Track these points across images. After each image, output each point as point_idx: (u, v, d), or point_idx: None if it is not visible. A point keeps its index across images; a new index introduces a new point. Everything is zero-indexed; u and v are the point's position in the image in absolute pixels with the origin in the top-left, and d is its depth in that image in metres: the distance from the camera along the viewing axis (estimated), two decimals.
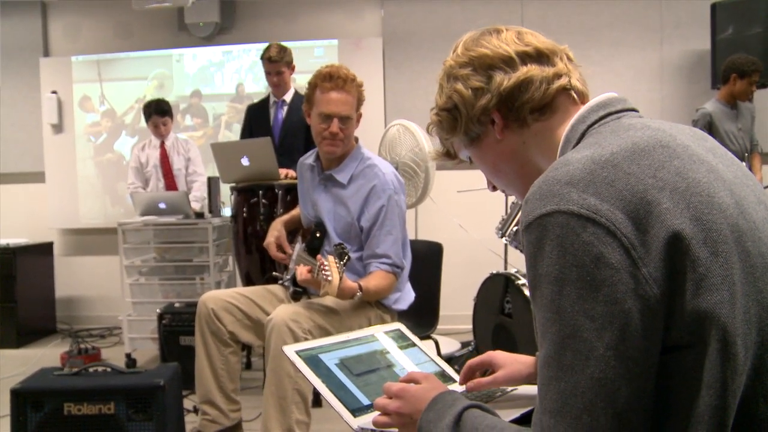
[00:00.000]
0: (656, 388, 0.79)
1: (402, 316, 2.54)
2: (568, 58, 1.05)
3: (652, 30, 4.84)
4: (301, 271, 2.16)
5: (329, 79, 2.36)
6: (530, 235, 0.82)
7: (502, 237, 3.54)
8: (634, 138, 0.87)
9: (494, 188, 1.16)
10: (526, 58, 1.02)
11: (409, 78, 5.05)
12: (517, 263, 3.69)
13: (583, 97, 1.04)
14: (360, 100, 2.44)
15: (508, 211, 3.59)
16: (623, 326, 0.76)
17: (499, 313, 3.26)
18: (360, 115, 2.47)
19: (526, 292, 3.04)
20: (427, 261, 2.88)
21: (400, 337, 1.46)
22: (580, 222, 0.78)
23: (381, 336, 1.44)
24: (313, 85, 2.41)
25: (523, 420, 1.11)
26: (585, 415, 0.76)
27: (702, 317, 0.77)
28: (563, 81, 1.01)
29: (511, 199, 3.66)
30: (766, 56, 4.38)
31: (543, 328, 0.81)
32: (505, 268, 3.89)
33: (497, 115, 1.03)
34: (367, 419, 1.14)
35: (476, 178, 4.25)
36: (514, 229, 3.47)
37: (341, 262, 2.06)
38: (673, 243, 0.77)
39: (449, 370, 1.41)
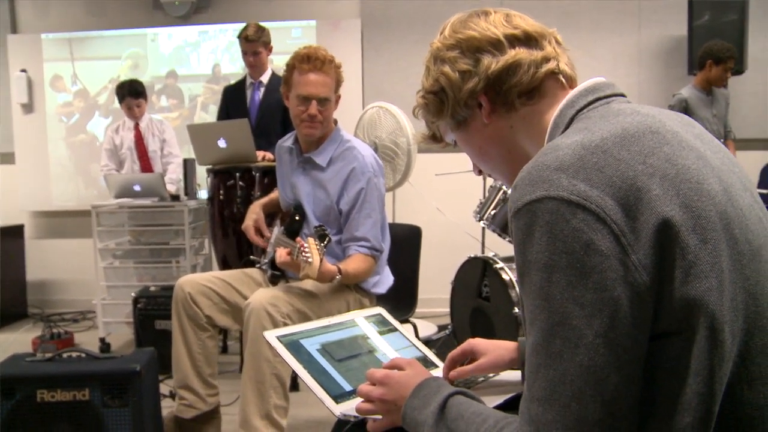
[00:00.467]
0: (643, 375, 0.78)
1: (380, 299, 2.53)
2: (557, 42, 1.04)
3: (631, 15, 4.85)
4: (280, 254, 2.14)
5: (307, 60, 2.33)
6: (519, 221, 0.81)
7: (480, 221, 3.54)
8: (624, 123, 0.86)
9: (480, 172, 1.15)
10: (515, 41, 1.00)
11: (387, 60, 5.01)
12: (495, 247, 3.70)
13: (571, 82, 1.02)
14: (339, 82, 2.41)
15: (486, 194, 3.59)
16: (612, 313, 0.75)
17: (477, 297, 3.26)
18: (339, 97, 2.44)
19: (504, 275, 3.05)
20: (405, 244, 2.87)
21: (381, 322, 1.45)
22: (569, 208, 0.77)
23: (362, 321, 1.43)
24: (291, 67, 2.38)
25: (507, 406, 1.10)
26: (574, 402, 0.76)
27: (691, 305, 0.77)
28: (551, 65, 1.00)
29: (489, 182, 3.66)
30: (740, 43, 4.43)
31: (531, 315, 0.80)
32: (483, 252, 3.90)
33: (484, 99, 1.01)
34: (349, 405, 1.13)
35: (454, 161, 4.27)
36: (492, 212, 3.47)
37: (321, 244, 2.03)
38: (662, 230, 0.77)
39: (431, 356, 1.41)
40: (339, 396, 1.17)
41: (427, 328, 4.10)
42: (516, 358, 1.22)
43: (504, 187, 3.45)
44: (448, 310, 3.58)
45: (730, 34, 4.44)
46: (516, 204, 0.82)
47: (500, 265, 3.11)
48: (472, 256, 3.37)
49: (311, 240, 2.02)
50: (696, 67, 4.38)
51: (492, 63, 0.99)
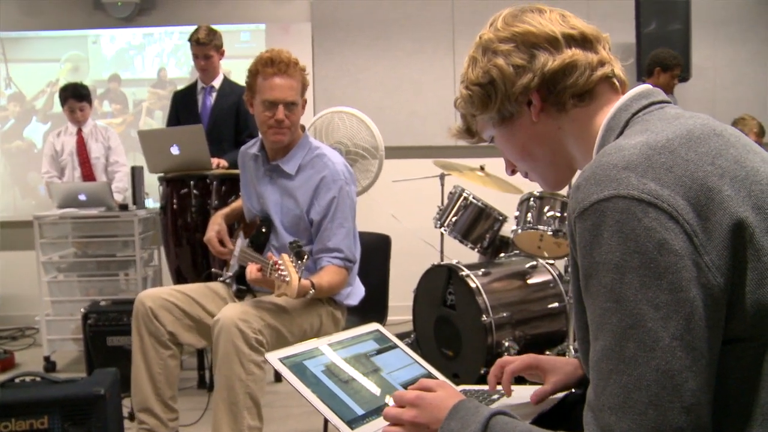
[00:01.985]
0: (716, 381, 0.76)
1: (352, 312, 2.46)
2: (609, 47, 1.02)
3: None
4: (251, 269, 2.04)
5: (271, 64, 2.23)
6: (585, 221, 0.78)
7: (440, 227, 3.51)
8: (688, 125, 0.84)
9: (513, 172, 1.12)
10: (571, 41, 0.98)
11: (338, 64, 4.96)
12: (453, 254, 3.67)
13: (624, 87, 1.00)
14: (304, 85, 2.32)
15: (446, 201, 3.56)
16: (689, 315, 0.73)
17: (442, 305, 3.22)
18: (305, 101, 2.35)
19: (471, 283, 3.02)
20: (373, 254, 2.81)
21: (380, 338, 1.39)
22: (641, 207, 0.75)
23: (361, 338, 1.36)
24: (254, 72, 2.27)
25: (538, 421, 1.06)
26: (651, 409, 0.72)
27: (764, 310, 0.75)
28: (607, 69, 0.98)
29: (448, 189, 3.64)
30: (685, 51, 4.58)
31: (600, 318, 0.77)
32: (442, 259, 3.87)
33: (536, 97, 0.98)
34: (365, 431, 1.06)
35: (410, 167, 4.21)
36: (453, 219, 3.45)
37: (299, 262, 1.94)
38: (736, 231, 0.75)
39: (435, 372, 1.35)
40: (353, 421, 1.09)
41: None
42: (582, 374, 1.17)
43: (465, 194, 3.43)
44: (409, 317, 3.53)
45: (676, 42, 4.58)
46: (581, 204, 0.79)
47: (465, 272, 3.08)
48: (435, 263, 3.33)
49: (285, 257, 1.92)
50: (644, 74, 4.49)
51: (549, 61, 0.96)
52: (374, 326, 1.42)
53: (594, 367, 0.78)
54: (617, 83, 0.99)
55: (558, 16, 1.00)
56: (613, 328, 0.75)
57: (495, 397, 1.22)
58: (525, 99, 0.99)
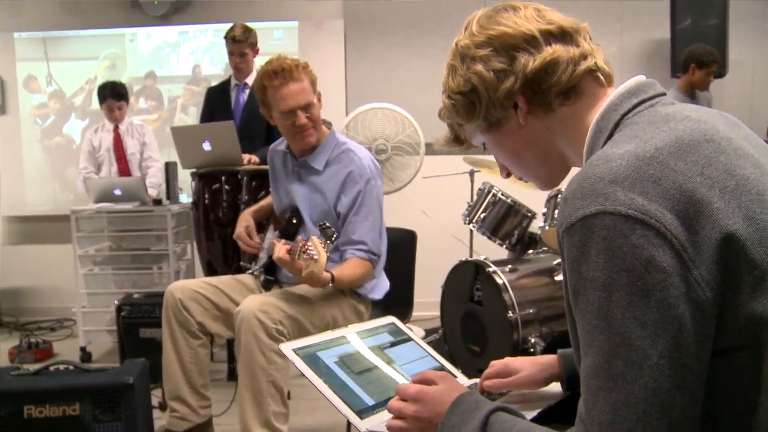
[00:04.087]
0: (705, 392, 0.75)
1: (375, 305, 2.48)
2: (590, 37, 0.99)
3: (613, 18, 4.87)
4: (279, 249, 2.04)
5: (275, 75, 2.24)
6: (573, 237, 0.77)
7: (468, 224, 3.51)
8: (677, 131, 0.82)
9: (508, 175, 1.10)
10: (550, 37, 0.95)
11: (370, 61, 4.96)
12: (483, 250, 3.67)
13: (609, 79, 0.97)
14: (313, 82, 2.33)
15: (475, 197, 3.56)
16: (677, 333, 0.72)
17: (469, 301, 3.23)
18: (320, 95, 2.36)
19: (497, 279, 3.02)
20: (399, 249, 2.83)
21: (394, 331, 1.41)
22: (628, 223, 0.73)
23: (376, 331, 1.38)
24: (262, 88, 2.29)
25: (540, 419, 1.06)
26: (639, 426, 0.72)
27: (758, 321, 0.74)
28: (590, 62, 0.95)
29: (477, 185, 3.64)
30: (721, 46, 4.48)
31: (589, 336, 0.77)
32: (471, 255, 3.87)
33: (522, 100, 0.95)
34: (374, 421, 1.08)
35: (440, 163, 4.23)
36: (482, 215, 3.45)
37: (327, 242, 1.95)
38: (726, 244, 0.74)
39: (448, 365, 1.37)
40: (362, 411, 1.11)
41: (416, 333, 4.04)
42: (556, 373, 1.18)
43: (494, 191, 3.43)
44: (437, 313, 3.54)
45: (711, 37, 4.48)
46: (569, 219, 0.78)
47: (492, 268, 3.07)
48: (463, 260, 3.34)
49: (314, 238, 1.95)
50: (679, 70, 4.41)
51: (529, 61, 0.93)
52: (389, 319, 1.44)
53: (584, 382, 0.78)
54: (602, 77, 0.96)
55: (533, 12, 0.97)
56: (602, 345, 0.75)
57: (504, 391, 1.22)
58: (510, 103, 0.96)
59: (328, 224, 2.01)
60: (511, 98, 0.96)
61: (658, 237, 0.73)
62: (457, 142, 1.10)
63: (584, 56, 0.95)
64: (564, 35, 0.95)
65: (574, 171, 0.90)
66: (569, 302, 0.83)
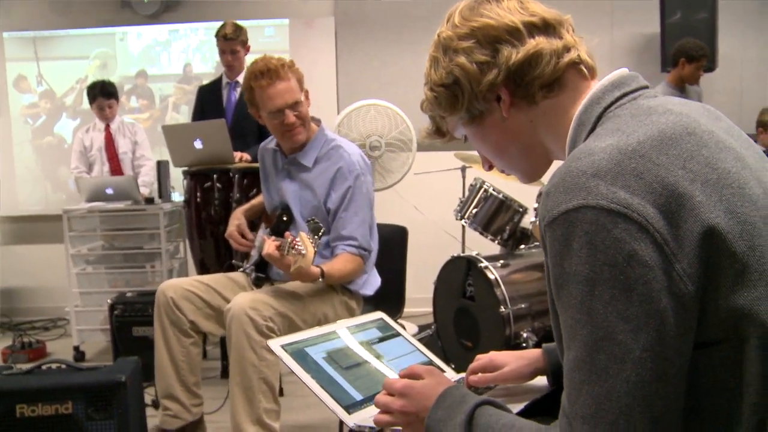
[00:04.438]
0: (687, 385, 0.76)
1: (367, 301, 2.49)
2: (573, 29, 0.98)
3: (603, 13, 4.88)
4: (269, 245, 2.06)
5: (262, 76, 2.26)
6: (555, 231, 0.77)
7: (460, 219, 3.52)
8: (660, 125, 0.82)
9: (490, 167, 1.10)
10: (533, 29, 0.94)
11: (361, 59, 4.97)
12: (475, 245, 3.69)
13: (592, 72, 0.97)
14: (300, 80, 2.34)
15: (467, 193, 3.57)
16: (659, 326, 0.72)
17: (461, 297, 3.24)
18: (307, 93, 2.37)
19: (489, 275, 3.03)
20: (391, 245, 2.83)
21: (384, 326, 1.42)
22: (610, 218, 0.74)
23: (365, 326, 1.39)
24: (249, 89, 2.31)
25: (527, 412, 1.07)
26: (621, 419, 0.73)
27: (739, 314, 0.75)
28: (573, 55, 0.94)
29: (469, 181, 3.65)
30: (711, 41, 4.49)
31: (571, 329, 0.77)
32: (464, 251, 3.88)
33: (505, 92, 0.95)
34: (362, 416, 1.09)
35: (432, 160, 4.24)
36: (474, 211, 3.46)
37: (315, 237, 1.97)
38: (708, 238, 0.74)
39: (437, 360, 1.38)
40: (350, 406, 1.12)
41: (409, 329, 4.05)
42: (541, 367, 1.19)
43: (485, 186, 3.44)
44: (429, 309, 3.55)
45: (701, 32, 4.50)
46: (551, 213, 0.78)
47: (484, 264, 3.09)
48: (455, 255, 3.35)
49: (303, 234, 1.96)
50: (669, 64, 4.43)
51: (512, 53, 0.93)
52: (378, 315, 1.45)
53: (567, 375, 0.78)
54: (585, 69, 0.96)
55: (516, 4, 0.96)
56: (585, 339, 0.75)
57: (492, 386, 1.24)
58: (493, 96, 0.96)
59: (316, 220, 2.02)
60: (494, 91, 0.96)
61: (641, 231, 0.73)
62: (439, 134, 1.10)
63: (567, 49, 0.95)
64: (547, 27, 0.95)
65: (557, 165, 0.90)
66: (552, 296, 0.83)
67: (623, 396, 0.73)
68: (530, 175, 1.05)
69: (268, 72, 2.24)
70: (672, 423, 0.74)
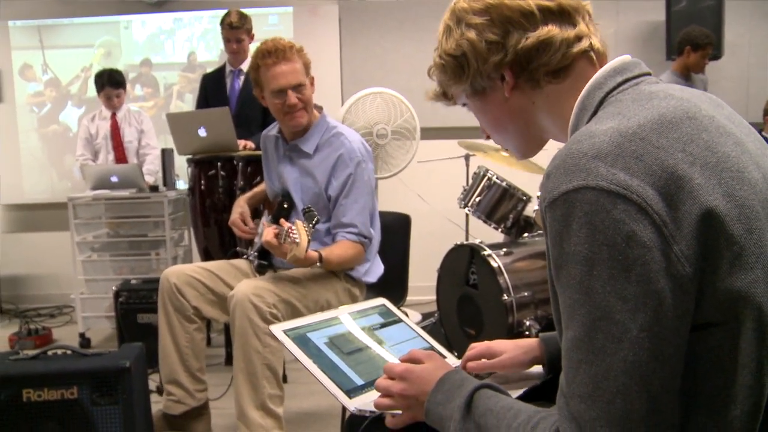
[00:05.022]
0: (684, 367, 0.76)
1: (370, 289, 2.50)
2: (590, 15, 0.98)
3: (608, 0, 4.85)
4: (268, 232, 2.08)
5: (269, 55, 2.28)
6: (555, 211, 0.78)
7: (464, 207, 3.53)
8: (660, 108, 0.82)
9: (488, 137, 1.10)
10: (548, 14, 0.94)
11: (365, 46, 4.96)
12: (479, 233, 3.69)
13: (602, 59, 0.97)
14: (306, 65, 2.35)
15: (470, 181, 3.57)
16: (657, 307, 0.73)
17: (464, 285, 3.25)
18: (312, 79, 2.39)
19: (492, 263, 3.03)
20: (394, 233, 2.84)
21: (385, 313, 1.43)
22: (610, 198, 0.74)
23: (366, 312, 1.40)
24: (256, 67, 2.33)
25: (524, 399, 1.08)
26: (618, 398, 0.73)
27: (736, 296, 0.75)
28: (584, 44, 0.94)
29: (473, 169, 3.65)
30: (717, 29, 4.46)
31: (570, 309, 0.78)
32: (467, 239, 3.89)
33: (509, 74, 0.96)
34: (363, 400, 1.10)
35: (436, 148, 4.23)
36: (477, 199, 3.46)
37: (310, 225, 1.99)
38: (706, 220, 0.75)
39: (438, 346, 1.38)
40: (351, 390, 1.14)
41: (412, 317, 4.08)
42: (538, 356, 1.20)
43: (488, 174, 3.44)
44: (433, 297, 3.56)
45: (707, 19, 4.47)
46: (551, 193, 0.78)
47: (487, 252, 3.09)
48: (458, 243, 3.35)
49: (299, 222, 1.97)
50: (675, 52, 4.40)
51: (522, 39, 0.93)
52: (380, 301, 1.46)
53: (565, 355, 0.79)
54: (594, 57, 0.96)
55: None
56: (583, 319, 0.76)
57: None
58: (498, 75, 0.97)
59: (311, 208, 2.04)
60: (499, 71, 0.96)
61: (640, 212, 0.74)
62: (445, 97, 1.10)
63: (579, 38, 0.94)
64: (562, 13, 0.95)
65: (557, 146, 0.90)
66: (552, 278, 0.84)
67: (620, 375, 0.73)
68: (524, 153, 1.07)
69: (276, 52, 2.26)
70: (669, 403, 0.75)
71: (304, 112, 2.34)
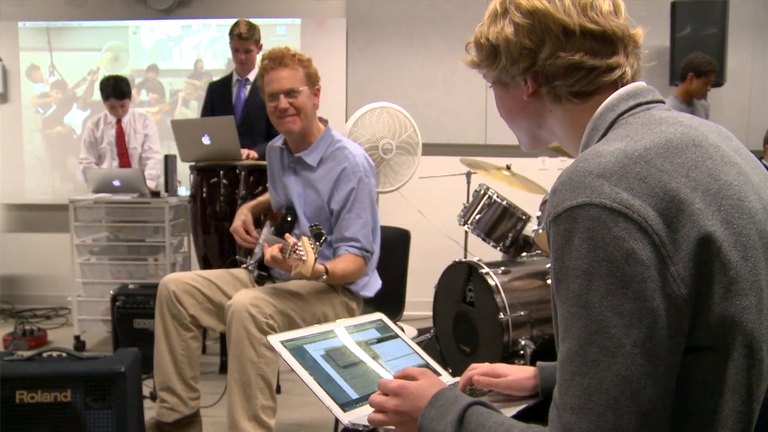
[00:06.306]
0: (676, 388, 0.78)
1: (367, 303, 2.51)
2: (634, 45, 0.97)
3: None
4: (272, 250, 2.08)
5: (270, 60, 2.34)
6: (558, 226, 0.80)
7: (463, 225, 3.54)
8: (668, 134, 0.85)
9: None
10: (589, 38, 0.93)
11: (371, 60, 4.99)
12: (477, 251, 3.70)
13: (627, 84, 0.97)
14: (309, 75, 2.37)
15: (471, 199, 3.59)
16: (651, 324, 0.75)
17: (461, 302, 3.25)
18: (317, 90, 2.41)
19: (489, 281, 3.04)
20: (393, 248, 2.85)
21: (382, 328, 1.43)
22: (611, 216, 0.76)
23: (364, 327, 1.41)
24: (260, 75, 2.39)
25: (519, 418, 1.09)
26: (609, 412, 0.75)
27: (728, 322, 0.77)
28: (614, 75, 0.94)
29: (473, 187, 3.66)
30: (720, 56, 4.51)
31: (567, 322, 0.79)
32: (465, 256, 3.89)
33: (532, 82, 0.98)
34: (357, 414, 1.10)
35: (437, 164, 4.24)
36: (477, 217, 3.47)
37: (317, 243, 2.00)
38: (704, 244, 0.77)
39: (433, 363, 1.39)
40: (346, 404, 1.14)
41: (408, 332, 4.08)
42: (537, 385, 1.20)
43: (489, 192, 3.45)
44: (429, 313, 3.56)
45: (711, 46, 4.51)
46: (556, 209, 0.81)
47: (485, 270, 3.09)
48: (457, 260, 3.36)
49: (305, 239, 1.98)
50: (678, 78, 4.44)
51: (553, 56, 0.94)
52: (377, 316, 1.47)
53: (560, 367, 0.80)
54: (621, 85, 0.95)
55: (588, 2, 0.94)
56: (579, 332, 0.78)
57: (484, 390, 1.25)
58: (522, 78, 0.99)
59: (318, 225, 2.05)
60: (524, 75, 0.98)
61: (640, 231, 0.76)
62: (477, 66, 1.09)
63: (611, 69, 0.94)
64: (604, 40, 0.94)
65: (560, 168, 0.91)
66: (553, 291, 0.86)
67: (612, 389, 0.75)
68: (529, 147, 1.10)
69: (275, 58, 2.33)
70: (659, 420, 0.76)
71: (296, 118, 2.35)
